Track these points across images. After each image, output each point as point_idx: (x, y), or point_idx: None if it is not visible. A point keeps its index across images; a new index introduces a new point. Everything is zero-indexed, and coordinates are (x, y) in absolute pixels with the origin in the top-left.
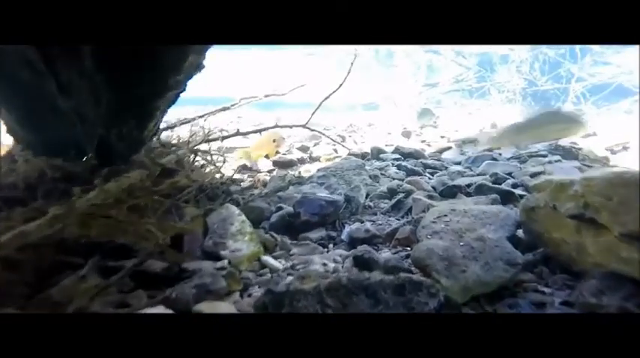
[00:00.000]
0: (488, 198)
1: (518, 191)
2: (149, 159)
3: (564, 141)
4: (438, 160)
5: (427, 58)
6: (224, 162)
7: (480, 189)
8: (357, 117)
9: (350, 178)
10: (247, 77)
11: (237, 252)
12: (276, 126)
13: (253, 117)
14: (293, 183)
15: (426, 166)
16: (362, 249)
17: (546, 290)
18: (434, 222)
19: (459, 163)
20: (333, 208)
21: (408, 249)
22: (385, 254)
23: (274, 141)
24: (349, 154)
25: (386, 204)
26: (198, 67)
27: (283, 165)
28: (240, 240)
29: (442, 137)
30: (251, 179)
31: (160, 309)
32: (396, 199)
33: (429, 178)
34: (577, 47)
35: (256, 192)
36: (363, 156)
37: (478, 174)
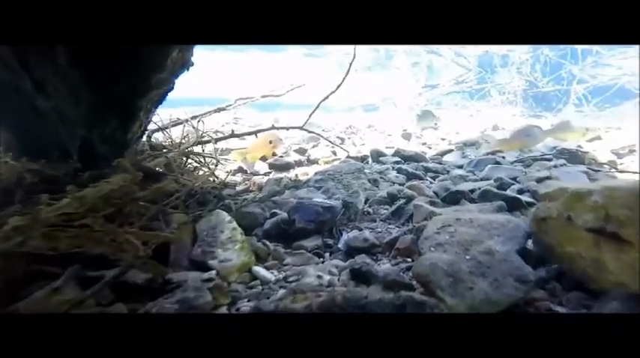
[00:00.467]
0: (494, 205)
1: (524, 197)
2: (132, 162)
3: (569, 144)
4: (440, 163)
5: (427, 59)
6: (217, 165)
7: (485, 196)
8: (357, 118)
9: (348, 182)
10: (246, 78)
11: (226, 262)
12: (273, 127)
13: (251, 118)
14: (289, 188)
15: (427, 170)
16: (359, 260)
17: (560, 309)
18: (437, 233)
19: (461, 167)
20: (330, 215)
21: (409, 260)
22: (384, 266)
23: (271, 142)
24: (348, 157)
25: (386, 211)
26: (185, 64)
27: (280, 167)
28: (231, 249)
29: (443, 139)
30: (246, 182)
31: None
32: (396, 206)
33: (431, 182)
34: (578, 49)
35: (250, 196)
36: (363, 158)
37: (481, 179)
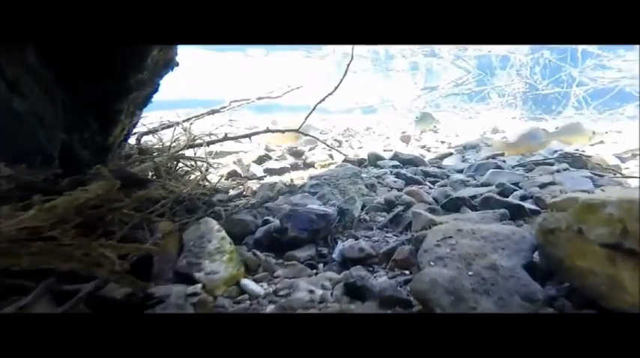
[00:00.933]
0: (496, 214)
1: (527, 204)
2: (116, 168)
3: (571, 148)
4: (439, 167)
5: (426, 61)
6: (207, 169)
7: (487, 203)
8: (355, 120)
9: (345, 187)
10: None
11: (213, 274)
12: (268, 130)
13: (248, 120)
14: (283, 193)
15: (426, 174)
16: (355, 273)
17: None
18: (437, 245)
19: (461, 171)
20: (325, 223)
21: (407, 272)
22: (381, 279)
23: (298, 132)
24: (345, 161)
25: (383, 218)
26: (168, 64)
27: (275, 171)
28: (218, 260)
29: (442, 142)
30: (240, 187)
31: None
32: (394, 213)
33: (430, 187)
34: (578, 51)
35: (241, 202)
36: (360, 162)
37: (482, 184)
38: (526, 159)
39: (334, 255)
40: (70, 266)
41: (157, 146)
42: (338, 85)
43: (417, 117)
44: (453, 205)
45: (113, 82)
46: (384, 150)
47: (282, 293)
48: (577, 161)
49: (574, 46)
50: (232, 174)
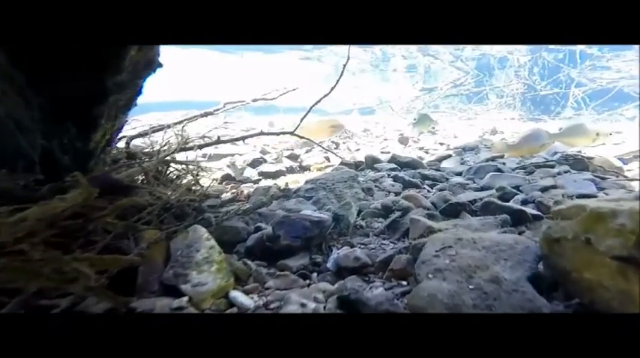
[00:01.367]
0: (497, 220)
1: (529, 209)
2: (100, 174)
3: (572, 150)
4: (438, 170)
5: (425, 62)
6: (197, 174)
7: (487, 208)
8: (353, 121)
9: (341, 191)
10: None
11: (200, 286)
12: (262, 133)
13: (245, 121)
14: (277, 198)
15: (424, 177)
16: (349, 285)
17: None
18: (436, 256)
19: (460, 174)
20: (319, 230)
21: (404, 283)
22: (377, 291)
23: (332, 127)
24: (342, 164)
25: (380, 224)
26: (150, 65)
27: (270, 175)
28: (206, 271)
29: (441, 144)
30: (234, 191)
31: None
32: (391, 219)
33: (428, 191)
34: (577, 52)
35: (233, 208)
36: (357, 165)
37: (482, 188)
38: (526, 161)
39: (329, 264)
40: (36, 285)
41: (147, 150)
42: (334, 86)
43: (414, 119)
44: (452, 210)
45: (89, 84)
46: (382, 152)
47: (272, 306)
48: (578, 163)
49: (572, 47)
50: (226, 178)
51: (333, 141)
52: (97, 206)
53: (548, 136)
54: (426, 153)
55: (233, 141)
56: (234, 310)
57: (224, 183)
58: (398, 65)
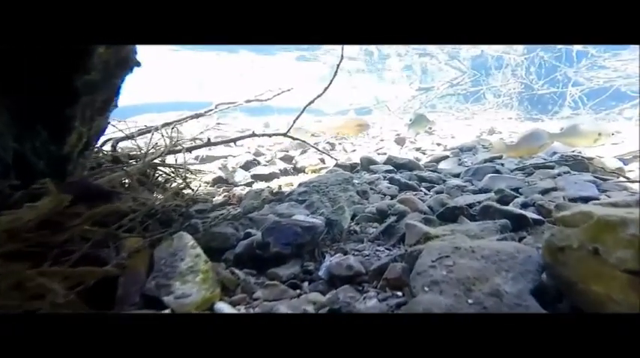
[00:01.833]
0: (497, 224)
1: (530, 213)
2: (78, 179)
3: (571, 151)
4: (435, 171)
5: (421, 62)
6: (185, 178)
7: (486, 212)
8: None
9: (335, 195)
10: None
11: (183, 298)
12: (254, 134)
13: (240, 122)
14: (269, 202)
15: (421, 179)
16: (341, 297)
17: None
18: (433, 266)
19: (457, 175)
20: (311, 236)
21: (400, 294)
22: (370, 302)
23: (359, 125)
24: (336, 165)
25: (375, 229)
26: (125, 64)
27: (263, 177)
28: (190, 282)
29: (438, 145)
30: (226, 194)
31: None
32: (386, 224)
33: (425, 193)
34: (573, 51)
35: (223, 213)
36: (352, 167)
37: (480, 190)
38: (525, 162)
39: (321, 273)
40: None
41: (134, 153)
42: (328, 86)
43: (411, 119)
44: (449, 215)
45: (54, 84)
46: (378, 153)
47: None
48: (578, 164)
49: (569, 46)
50: (217, 181)
51: (328, 142)
52: (74, 213)
53: (549, 136)
54: (423, 154)
55: (223, 143)
56: None
57: (215, 186)
58: (394, 65)
